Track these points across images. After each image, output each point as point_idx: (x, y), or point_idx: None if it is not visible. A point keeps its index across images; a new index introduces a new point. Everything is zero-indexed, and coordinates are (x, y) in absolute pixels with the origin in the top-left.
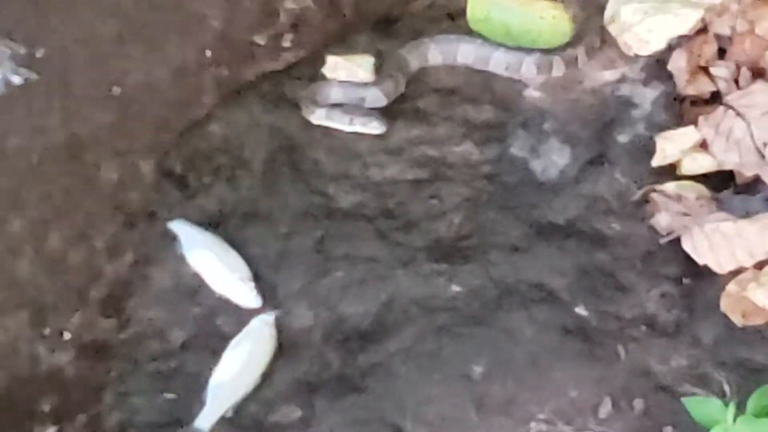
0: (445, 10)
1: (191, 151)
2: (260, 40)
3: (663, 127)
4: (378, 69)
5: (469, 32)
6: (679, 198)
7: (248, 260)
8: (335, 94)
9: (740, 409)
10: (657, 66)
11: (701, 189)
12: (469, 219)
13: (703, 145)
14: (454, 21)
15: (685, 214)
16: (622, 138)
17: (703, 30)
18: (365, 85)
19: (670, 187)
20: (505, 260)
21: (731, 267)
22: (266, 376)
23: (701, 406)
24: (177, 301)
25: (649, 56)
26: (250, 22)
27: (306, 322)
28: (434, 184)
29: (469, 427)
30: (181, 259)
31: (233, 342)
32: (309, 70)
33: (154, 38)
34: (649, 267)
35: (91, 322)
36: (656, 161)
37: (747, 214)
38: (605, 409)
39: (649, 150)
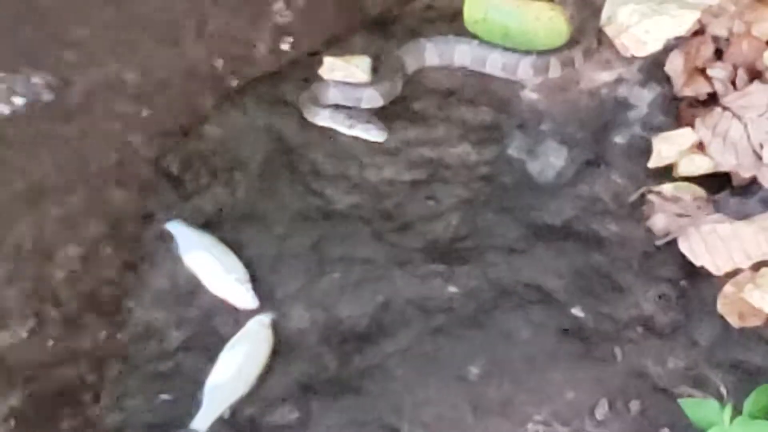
0: (442, 11)
1: (188, 152)
2: (257, 41)
3: (660, 129)
4: (375, 70)
5: (466, 33)
6: (675, 199)
7: (245, 261)
8: (333, 95)
9: (737, 410)
10: (654, 67)
11: (698, 190)
12: (466, 220)
13: (700, 147)
14: (451, 22)
15: (682, 216)
16: (619, 139)
17: (700, 31)
18: (362, 85)
19: (666, 188)
20: (502, 261)
21: (728, 268)
22: (263, 378)
23: (698, 407)
24: (174, 303)
25: (646, 57)
26: (247, 24)
27: (303, 324)
28: (431, 186)
29: (465, 429)
30: (178, 260)
31: (230, 343)
32: (306, 72)
33: (150, 41)
34: (645, 268)
35: (89, 324)
36: (653, 162)
37: (744, 216)
38: (602, 410)
39: (646, 151)
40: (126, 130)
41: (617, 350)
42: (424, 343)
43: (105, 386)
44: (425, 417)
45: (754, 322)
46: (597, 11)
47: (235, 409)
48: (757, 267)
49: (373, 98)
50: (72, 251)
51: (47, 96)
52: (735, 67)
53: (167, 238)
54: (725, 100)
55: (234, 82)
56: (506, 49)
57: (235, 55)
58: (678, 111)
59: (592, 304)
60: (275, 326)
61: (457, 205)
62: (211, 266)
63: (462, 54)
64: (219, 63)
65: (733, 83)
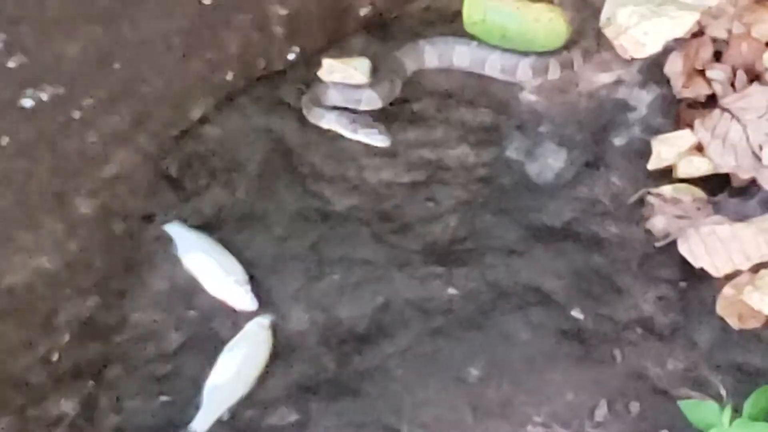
0: (441, 12)
1: (187, 154)
2: (254, 42)
3: (659, 130)
4: (374, 72)
5: (465, 35)
6: (675, 201)
7: (244, 263)
8: (332, 97)
9: (736, 412)
10: (653, 69)
11: (697, 192)
12: (465, 222)
13: (699, 148)
14: (450, 23)
15: (681, 217)
16: (618, 141)
17: (699, 33)
18: (361, 87)
19: (666, 190)
20: (501, 263)
21: (727, 270)
22: (262, 379)
23: (697, 409)
24: (172, 304)
25: (646, 59)
26: (245, 25)
27: (302, 325)
28: (430, 187)
29: (465, 430)
30: (177, 262)
31: (229, 345)
32: (304, 74)
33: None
34: (645, 270)
35: (87, 325)
36: (652, 164)
37: (743, 217)
38: (601, 411)
39: (645, 153)
40: (125, 131)
41: (617, 352)
42: (423, 344)
43: (104, 388)
44: (425, 418)
45: (753, 323)
46: (596, 13)
47: (235, 411)
48: (756, 269)
49: (372, 100)
50: (70, 251)
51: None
52: (734, 69)
53: (166, 240)
54: (724, 102)
55: (232, 84)
56: (505, 50)
57: (232, 57)
58: (677, 112)
59: (591, 305)
60: (274, 328)
61: (456, 207)
62: (210, 268)
63: (461, 55)
64: (217, 64)
65: (733, 85)
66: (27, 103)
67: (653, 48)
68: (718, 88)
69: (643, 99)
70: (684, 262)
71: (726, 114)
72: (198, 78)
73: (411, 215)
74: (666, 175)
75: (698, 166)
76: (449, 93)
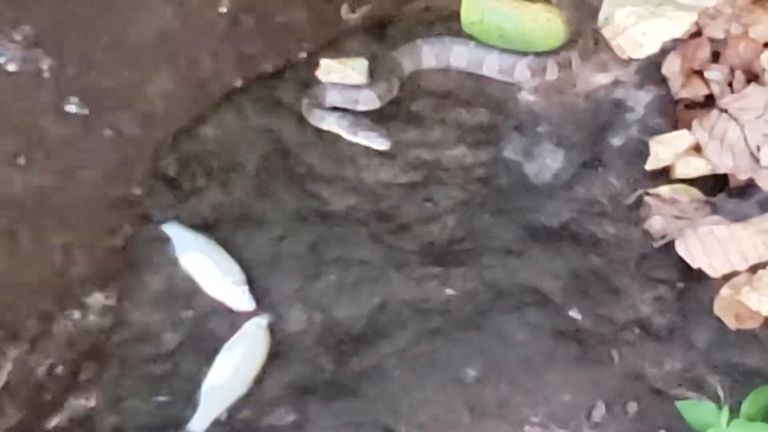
0: (439, 12)
1: (185, 154)
2: (251, 43)
3: (657, 131)
4: (372, 72)
5: (463, 35)
6: (673, 201)
7: (241, 263)
8: (331, 97)
9: (734, 412)
10: (651, 69)
11: (695, 192)
12: (462, 222)
13: (697, 149)
14: (448, 24)
15: (679, 218)
16: (616, 141)
17: (697, 33)
18: (359, 87)
19: (664, 190)
20: (499, 263)
21: (725, 270)
22: (259, 380)
23: (695, 409)
24: (170, 304)
25: (643, 60)
26: (242, 26)
27: (299, 326)
28: (428, 187)
29: (462, 430)
30: (174, 262)
31: (226, 345)
32: (302, 74)
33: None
34: (642, 270)
35: (85, 325)
36: (650, 165)
37: (741, 218)
38: (599, 412)
39: (643, 153)
40: (123, 132)
41: (614, 352)
42: (420, 344)
43: (101, 388)
44: (422, 418)
45: (750, 324)
46: (594, 13)
47: (232, 411)
48: (754, 269)
49: (369, 100)
50: (68, 251)
51: None
52: (732, 69)
53: (164, 240)
54: (722, 102)
55: (230, 84)
56: (503, 50)
57: (229, 57)
58: (675, 113)
59: (588, 306)
60: (272, 328)
61: (454, 207)
62: (208, 268)
63: (459, 56)
64: (214, 64)
65: (730, 85)
66: None
67: (651, 48)
68: (715, 89)
69: (641, 99)
70: (682, 263)
71: (724, 114)
72: (196, 78)
73: (409, 215)
74: (664, 175)
75: (696, 167)
76: (447, 93)
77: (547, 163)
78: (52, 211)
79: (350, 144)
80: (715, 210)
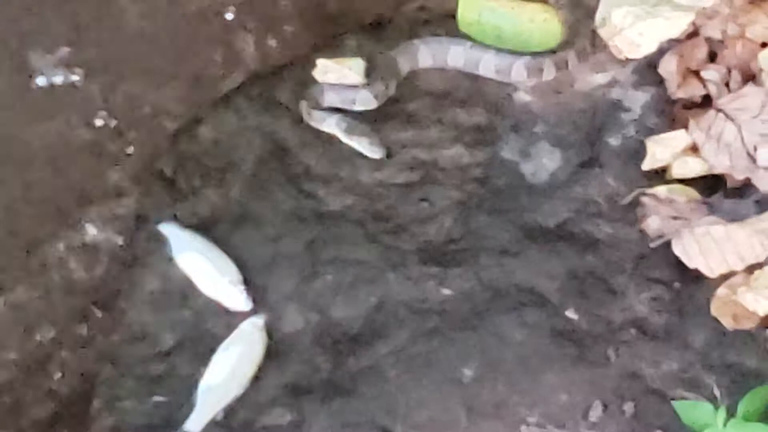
0: (436, 12)
1: (181, 153)
2: (249, 42)
3: (654, 131)
4: (368, 72)
5: (460, 35)
6: (669, 201)
7: (238, 263)
8: (329, 98)
9: (730, 412)
10: (648, 69)
11: (692, 192)
12: (459, 222)
13: (694, 149)
14: (445, 24)
15: (676, 218)
16: (613, 141)
17: (694, 33)
18: (356, 87)
19: (660, 190)
20: (496, 263)
21: (722, 271)
22: (256, 380)
23: (691, 409)
24: (167, 304)
25: (640, 60)
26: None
27: (296, 326)
28: (424, 187)
29: (459, 431)
30: (171, 262)
31: (223, 345)
32: (299, 74)
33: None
34: (639, 270)
35: (81, 325)
36: (647, 165)
37: (738, 218)
38: (596, 412)
39: (640, 153)
40: (120, 131)
41: (611, 352)
42: (417, 344)
43: (98, 388)
44: (419, 419)
45: (747, 324)
46: (591, 13)
47: (229, 411)
48: (750, 269)
49: (366, 100)
50: (66, 250)
51: None
52: (729, 70)
53: (160, 240)
54: (719, 103)
55: (227, 84)
56: (500, 50)
57: (226, 56)
58: (672, 113)
59: (585, 306)
60: (269, 328)
61: (451, 207)
62: (204, 268)
63: (455, 56)
64: (211, 64)
65: (727, 85)
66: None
67: (648, 48)
68: (712, 89)
69: (637, 99)
70: (678, 263)
71: (721, 115)
72: (193, 78)
73: (405, 215)
74: (660, 175)
75: (693, 167)
76: (444, 93)
77: (544, 163)
78: None
79: (347, 144)
80: (711, 210)
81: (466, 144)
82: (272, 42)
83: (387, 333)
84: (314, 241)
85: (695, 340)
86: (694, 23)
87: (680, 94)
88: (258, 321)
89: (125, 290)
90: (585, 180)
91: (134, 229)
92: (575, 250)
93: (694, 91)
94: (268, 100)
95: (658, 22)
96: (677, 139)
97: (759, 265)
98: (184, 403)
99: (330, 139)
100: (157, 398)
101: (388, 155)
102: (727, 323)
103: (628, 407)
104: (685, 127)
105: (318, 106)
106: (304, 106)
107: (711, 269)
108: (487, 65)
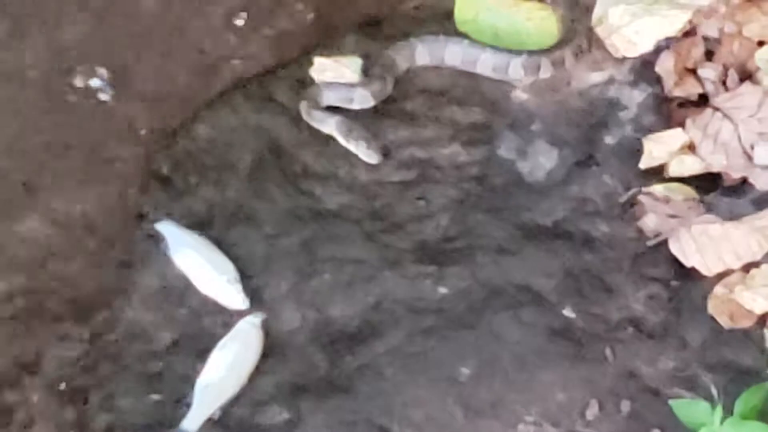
0: (433, 11)
1: (178, 152)
2: (247, 41)
3: (650, 129)
4: (365, 70)
5: (457, 33)
6: (666, 200)
7: (235, 261)
8: (327, 97)
9: (727, 411)
10: (645, 68)
11: (689, 191)
12: (456, 221)
13: (691, 147)
14: (442, 22)
15: (673, 216)
16: (610, 140)
17: (690, 32)
18: (353, 85)
19: (657, 189)
20: (492, 262)
21: (718, 269)
22: (253, 378)
23: (688, 408)
24: (164, 303)
25: (637, 58)
26: (236, 23)
27: (293, 324)
28: (421, 186)
29: (456, 429)
30: (168, 260)
31: (220, 343)
32: (296, 72)
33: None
34: (636, 269)
35: (78, 324)
36: (644, 163)
37: (734, 216)
38: (592, 411)
39: (637, 152)
40: (117, 130)
41: (608, 351)
42: (414, 343)
43: (94, 386)
44: (415, 417)
45: (744, 322)
46: (588, 12)
47: (226, 410)
48: (747, 268)
49: (364, 98)
50: (63, 249)
51: None
52: (726, 68)
53: (157, 238)
54: (716, 101)
55: (223, 82)
56: (497, 49)
57: (224, 55)
58: (669, 111)
59: (582, 304)
60: (266, 326)
61: (448, 206)
62: (201, 266)
63: (453, 54)
64: (209, 62)
65: (724, 84)
66: None
67: (645, 47)
68: (709, 87)
69: (634, 98)
70: (675, 261)
71: (717, 113)
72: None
73: (402, 214)
74: (657, 173)
75: (690, 165)
76: (441, 91)
77: (541, 161)
78: None
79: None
80: (708, 208)
81: (463, 142)
82: (270, 40)
83: (384, 331)
84: (311, 239)
85: (692, 338)
86: (691, 21)
87: (677, 92)
88: (255, 319)
89: (122, 288)
90: (582, 178)
91: (131, 228)
92: (572, 249)
93: (691, 89)
94: (265, 99)
95: (655, 20)
96: (674, 137)
97: (756, 264)
98: (181, 401)
99: (327, 138)
100: (154, 396)
101: (385, 154)
102: (724, 322)
103: (625, 406)
104: (682, 125)
105: (318, 106)
106: (304, 106)
107: (708, 268)
108: (484, 64)
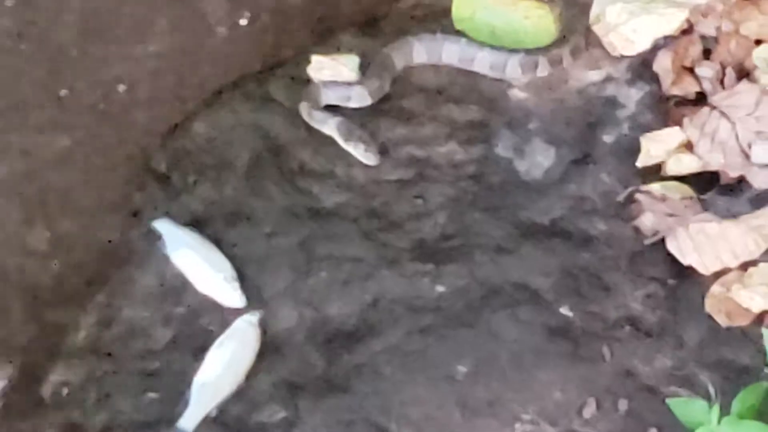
0: (431, 9)
1: (176, 150)
2: (244, 40)
3: (648, 128)
4: (363, 68)
5: (455, 32)
6: (663, 198)
7: (232, 260)
8: (325, 96)
9: (724, 410)
10: (642, 66)
11: (686, 190)
12: (453, 219)
13: (688, 146)
14: (440, 20)
15: (670, 215)
16: (607, 138)
17: (688, 30)
18: (351, 84)
19: (655, 187)
20: (490, 260)
21: (716, 268)
22: (250, 376)
23: (686, 407)
24: (161, 301)
25: (635, 56)
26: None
27: (290, 322)
28: (419, 184)
29: (453, 428)
30: (165, 258)
31: (217, 342)
32: (293, 70)
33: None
34: (633, 268)
35: (75, 322)
36: (641, 162)
37: (732, 215)
38: (590, 409)
39: (634, 150)
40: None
41: (605, 349)
42: (412, 342)
43: (92, 384)
44: (413, 416)
45: (741, 321)
46: (585, 10)
47: (223, 408)
48: (744, 266)
49: (361, 97)
50: (61, 249)
51: None
52: (723, 66)
53: (155, 237)
54: (713, 100)
55: (221, 80)
56: (494, 47)
57: (221, 53)
58: (666, 110)
59: (580, 303)
60: (263, 325)
61: (445, 204)
62: (199, 265)
63: (450, 52)
64: (207, 60)
65: (722, 82)
66: None
67: (642, 45)
68: (707, 86)
69: (632, 96)
70: (672, 260)
71: (715, 112)
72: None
73: (399, 212)
74: (655, 172)
75: (687, 164)
76: (438, 90)
77: (538, 160)
78: None
79: None
80: (706, 207)
81: (461, 141)
82: (267, 38)
83: (381, 330)
84: (309, 238)
85: (689, 337)
86: (688, 20)
87: (674, 91)
88: (252, 318)
89: (119, 287)
90: (579, 177)
91: (129, 226)
92: (569, 247)
93: (688, 88)
94: (262, 97)
95: (653, 18)
96: (671, 136)
97: (753, 262)
98: (178, 399)
99: (324, 136)
100: (151, 395)
101: (382, 152)
102: (722, 320)
103: (622, 404)
104: (680, 124)
105: (318, 107)
106: (304, 107)
107: (705, 266)
108: (482, 62)
